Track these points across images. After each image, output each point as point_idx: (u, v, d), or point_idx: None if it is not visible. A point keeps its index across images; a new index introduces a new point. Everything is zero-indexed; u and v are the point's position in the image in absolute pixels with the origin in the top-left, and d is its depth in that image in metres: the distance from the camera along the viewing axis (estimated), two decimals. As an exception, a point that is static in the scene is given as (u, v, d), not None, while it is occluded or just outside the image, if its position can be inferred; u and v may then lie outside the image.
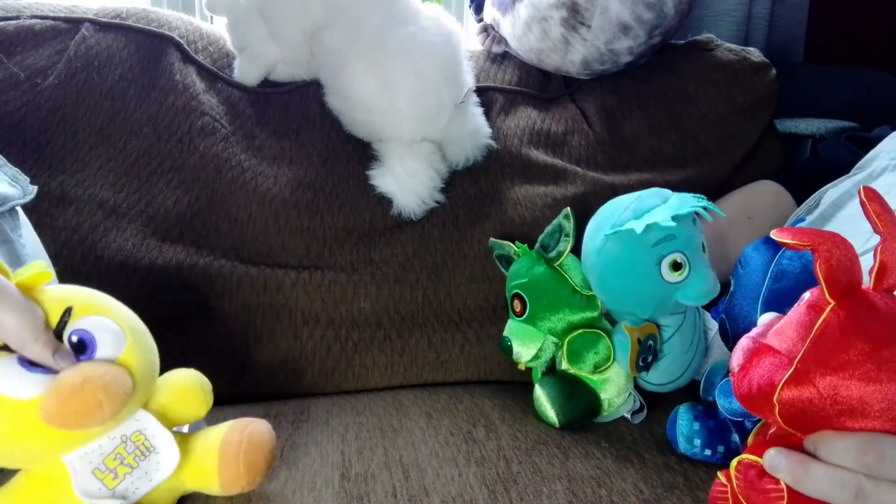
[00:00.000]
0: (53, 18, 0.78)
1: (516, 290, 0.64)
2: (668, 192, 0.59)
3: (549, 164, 0.81)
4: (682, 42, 0.97)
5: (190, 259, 0.69)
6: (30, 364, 0.38)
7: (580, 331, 0.61)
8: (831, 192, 0.69)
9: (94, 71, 0.76)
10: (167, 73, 0.78)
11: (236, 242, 0.72)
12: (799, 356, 0.36)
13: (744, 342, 0.41)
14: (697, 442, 0.54)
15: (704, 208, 0.56)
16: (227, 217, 0.73)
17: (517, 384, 0.71)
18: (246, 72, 0.83)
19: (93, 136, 0.74)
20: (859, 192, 0.38)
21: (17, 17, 0.77)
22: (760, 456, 0.39)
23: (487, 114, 0.85)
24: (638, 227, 0.54)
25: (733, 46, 0.94)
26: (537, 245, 0.64)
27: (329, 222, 0.75)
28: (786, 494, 0.38)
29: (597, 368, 0.59)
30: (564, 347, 0.60)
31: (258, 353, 0.69)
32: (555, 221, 0.63)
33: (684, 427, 0.55)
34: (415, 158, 0.76)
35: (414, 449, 0.55)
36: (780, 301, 0.54)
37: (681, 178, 0.84)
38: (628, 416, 0.62)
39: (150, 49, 0.79)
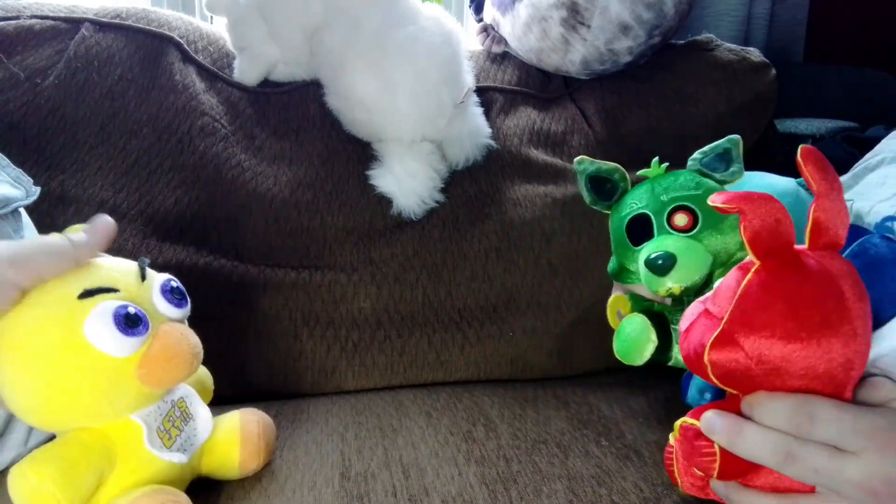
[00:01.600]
0: (53, 18, 0.79)
1: (683, 203, 0.55)
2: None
3: (549, 163, 0.81)
4: (682, 42, 0.97)
5: (190, 259, 0.69)
6: (125, 320, 0.40)
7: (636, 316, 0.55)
8: None
9: (93, 71, 0.76)
10: (167, 73, 0.78)
11: (236, 242, 0.72)
12: (725, 317, 0.37)
13: (691, 307, 0.42)
14: (707, 396, 0.53)
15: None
16: (227, 217, 0.73)
17: (517, 383, 0.71)
18: (246, 72, 0.83)
19: (93, 136, 0.74)
20: (798, 152, 0.38)
21: (17, 18, 0.77)
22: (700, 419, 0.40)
23: (487, 114, 0.85)
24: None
25: (733, 46, 0.94)
26: (696, 165, 0.59)
27: (329, 222, 0.75)
28: (718, 456, 0.39)
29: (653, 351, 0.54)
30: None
31: (258, 353, 0.69)
32: (719, 143, 0.58)
33: (699, 378, 0.51)
34: (415, 158, 0.76)
35: (414, 448, 0.55)
36: None
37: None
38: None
39: (150, 49, 0.79)
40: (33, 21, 0.77)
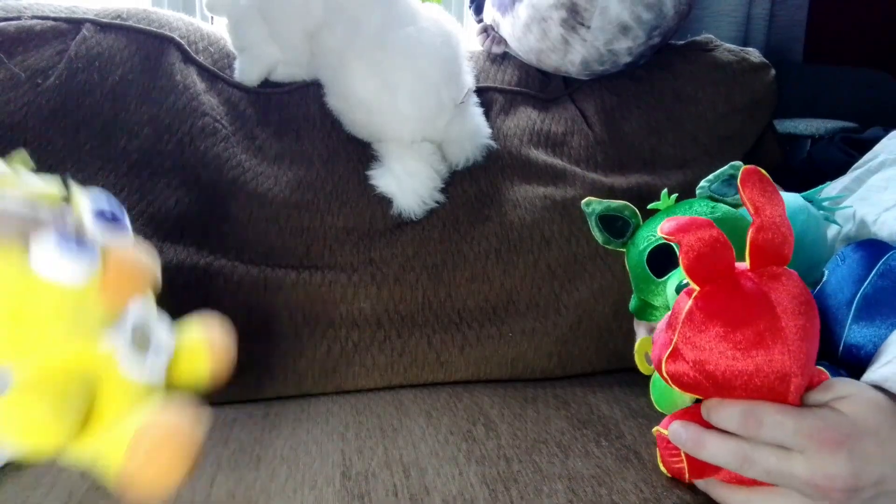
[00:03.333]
0: (54, 19, 0.79)
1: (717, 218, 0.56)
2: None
3: (549, 164, 0.81)
4: (682, 42, 0.97)
5: (190, 259, 0.70)
6: (73, 242, 0.39)
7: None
8: (828, 191, 0.69)
9: (94, 71, 0.76)
10: (168, 74, 0.78)
11: (237, 242, 0.72)
12: (675, 336, 0.42)
13: (660, 323, 0.46)
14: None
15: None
16: (227, 217, 0.73)
17: (517, 383, 0.72)
18: (246, 72, 0.83)
19: (93, 137, 0.74)
20: (740, 173, 0.41)
21: (18, 18, 0.77)
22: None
23: (487, 114, 0.85)
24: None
25: (732, 47, 0.94)
26: (705, 192, 0.60)
27: (329, 222, 0.75)
28: (685, 461, 0.45)
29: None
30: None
31: (258, 353, 0.69)
32: (723, 170, 0.59)
33: None
34: (415, 158, 0.76)
35: (414, 448, 0.55)
36: (878, 301, 0.53)
37: (680, 179, 0.84)
38: None
39: (150, 50, 0.80)
40: (34, 21, 0.77)
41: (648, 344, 0.60)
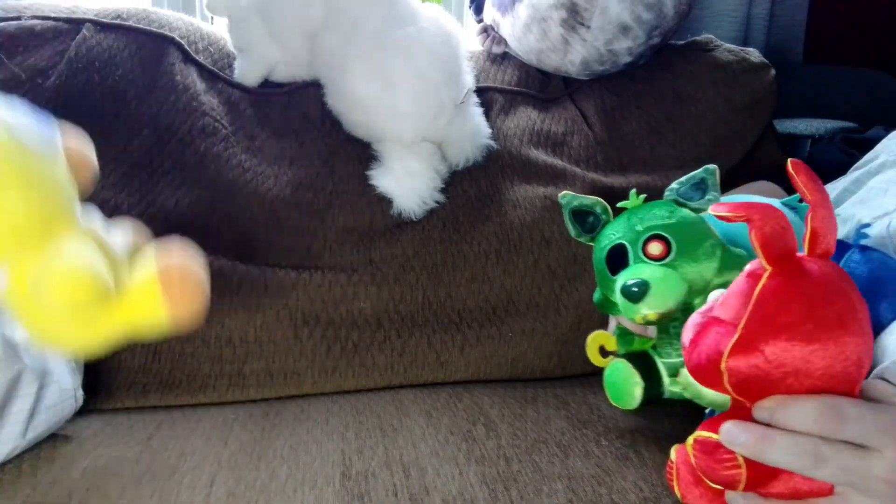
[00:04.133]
0: (54, 19, 0.79)
1: (658, 232, 0.56)
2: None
3: (549, 164, 0.82)
4: (682, 43, 0.97)
5: (190, 259, 0.70)
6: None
7: (620, 361, 0.57)
8: (829, 190, 0.70)
9: (94, 71, 0.76)
10: (168, 74, 0.78)
11: (237, 243, 0.72)
12: (742, 322, 0.37)
13: (693, 318, 0.42)
14: None
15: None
16: (227, 217, 0.73)
17: (517, 383, 0.72)
18: (246, 72, 0.83)
19: (94, 137, 0.73)
20: (787, 166, 0.39)
21: (18, 18, 0.77)
22: (715, 432, 0.40)
23: (487, 114, 0.85)
24: None
25: (732, 47, 0.94)
26: (672, 195, 0.60)
27: (329, 222, 0.75)
28: (744, 467, 0.39)
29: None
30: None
31: (258, 352, 0.69)
32: (696, 173, 0.58)
33: None
34: (415, 158, 0.76)
35: (414, 448, 0.55)
36: None
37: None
38: None
39: (150, 50, 0.80)
40: (34, 22, 0.77)
41: (603, 338, 0.61)
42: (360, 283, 0.72)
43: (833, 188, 0.70)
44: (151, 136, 0.75)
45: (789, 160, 0.39)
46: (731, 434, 0.39)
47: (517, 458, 0.54)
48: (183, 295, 0.43)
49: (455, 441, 0.57)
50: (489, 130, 0.82)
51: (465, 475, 0.51)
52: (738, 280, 0.40)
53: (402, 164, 0.76)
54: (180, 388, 0.67)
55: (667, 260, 0.55)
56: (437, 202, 0.77)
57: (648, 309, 0.54)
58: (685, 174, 0.84)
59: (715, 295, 0.43)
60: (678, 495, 0.45)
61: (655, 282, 0.53)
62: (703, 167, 0.58)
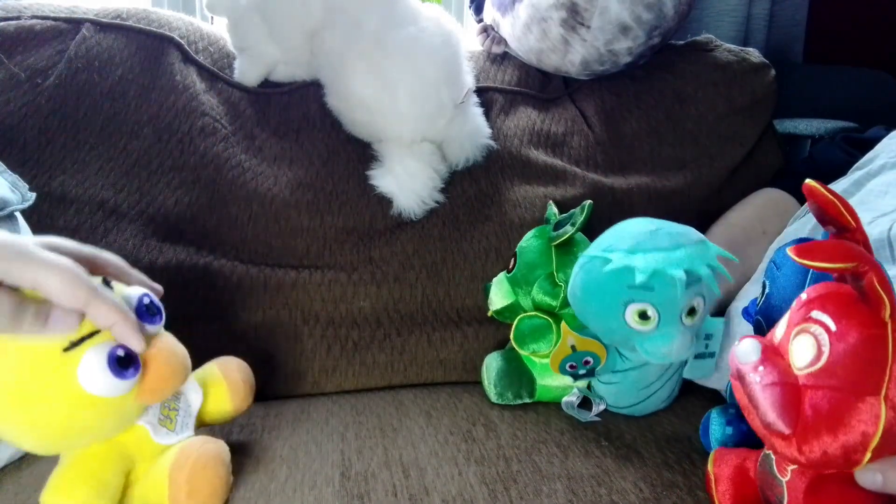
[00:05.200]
0: (54, 19, 0.79)
1: (517, 249, 0.68)
2: (692, 235, 0.54)
3: (549, 164, 0.82)
4: (682, 43, 0.97)
5: (190, 259, 0.70)
6: (118, 363, 0.40)
7: (532, 314, 0.63)
8: None
9: (94, 71, 0.76)
10: (168, 74, 0.78)
11: (237, 242, 0.72)
12: (883, 386, 0.31)
13: (778, 396, 0.34)
14: (729, 430, 0.53)
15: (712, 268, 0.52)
16: (227, 217, 0.73)
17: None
18: (246, 72, 0.83)
19: (93, 137, 0.74)
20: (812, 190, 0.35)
21: (18, 18, 0.77)
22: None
23: (487, 114, 0.85)
24: (613, 265, 0.52)
25: (732, 47, 0.94)
26: (553, 220, 0.68)
27: (329, 222, 0.75)
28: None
29: (535, 353, 0.62)
30: (513, 325, 0.63)
31: (258, 353, 0.69)
32: (576, 209, 0.64)
33: (717, 432, 0.53)
34: (415, 159, 0.76)
35: (414, 448, 0.55)
36: None
37: (679, 180, 0.84)
38: (573, 412, 0.61)
39: (150, 49, 0.80)
40: (34, 21, 0.77)
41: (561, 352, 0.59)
42: (359, 283, 0.72)
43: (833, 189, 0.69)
44: (151, 136, 0.75)
45: (806, 182, 0.36)
46: (872, 480, 0.34)
47: (517, 458, 0.54)
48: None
49: (455, 441, 0.56)
50: (489, 130, 0.82)
51: (464, 475, 0.51)
52: (853, 347, 0.33)
53: (402, 165, 0.75)
54: (180, 388, 0.67)
55: (511, 274, 0.67)
56: (437, 202, 0.77)
57: (489, 305, 0.69)
58: (685, 174, 0.85)
59: (748, 349, 0.37)
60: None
61: (493, 285, 0.69)
62: (587, 202, 0.63)
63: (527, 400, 0.64)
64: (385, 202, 0.76)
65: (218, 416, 0.53)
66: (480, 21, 1.00)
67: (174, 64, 0.80)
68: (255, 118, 0.81)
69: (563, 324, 0.56)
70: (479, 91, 0.86)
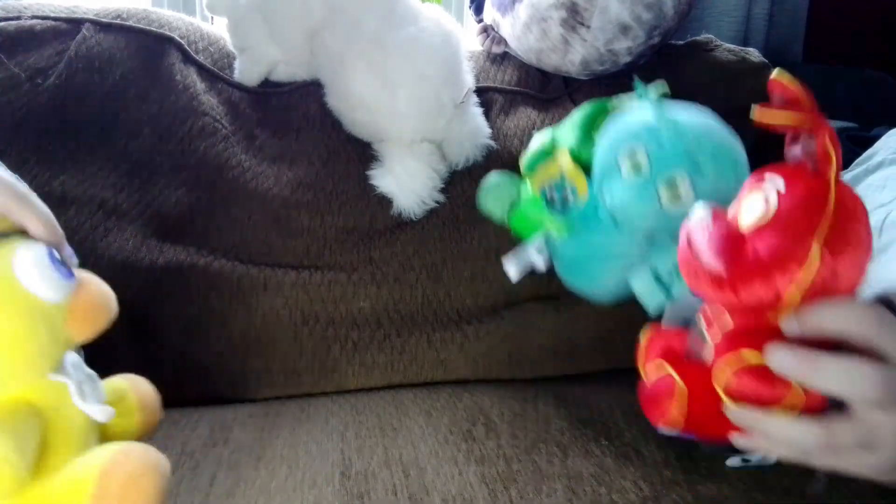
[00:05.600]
0: (54, 19, 0.79)
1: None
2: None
3: (549, 163, 0.82)
4: (682, 42, 0.97)
5: (190, 259, 0.70)
6: (58, 262, 0.38)
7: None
8: None
9: (94, 71, 0.76)
10: (168, 74, 0.78)
11: (237, 242, 0.72)
12: (822, 230, 0.34)
13: (714, 236, 0.37)
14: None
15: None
16: (227, 217, 0.73)
17: (517, 382, 0.72)
18: (246, 72, 0.83)
19: (93, 137, 0.74)
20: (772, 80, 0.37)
21: (18, 18, 0.77)
22: (728, 350, 0.37)
23: (487, 114, 0.85)
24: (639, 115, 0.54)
25: (732, 47, 0.94)
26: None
27: (329, 222, 0.75)
28: (796, 390, 0.36)
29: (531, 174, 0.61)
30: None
31: (258, 353, 0.69)
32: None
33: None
34: (414, 158, 0.76)
35: (414, 447, 0.55)
36: None
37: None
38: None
39: (150, 50, 0.80)
40: (34, 21, 0.77)
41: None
42: (359, 283, 0.72)
43: None
44: (151, 136, 0.75)
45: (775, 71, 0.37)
46: (782, 361, 0.35)
47: (517, 458, 0.54)
48: None
49: (455, 441, 0.56)
50: (489, 130, 0.82)
51: (464, 475, 0.51)
52: (796, 191, 0.36)
53: (402, 165, 0.75)
54: (180, 387, 0.67)
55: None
56: (437, 202, 0.77)
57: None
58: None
59: (702, 213, 0.39)
60: (663, 418, 0.41)
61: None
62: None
63: (499, 220, 0.62)
64: (385, 202, 0.76)
65: (123, 430, 0.45)
66: (480, 21, 1.00)
67: (174, 64, 0.80)
68: (255, 118, 0.81)
69: (563, 149, 0.56)
70: (479, 91, 0.86)
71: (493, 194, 0.62)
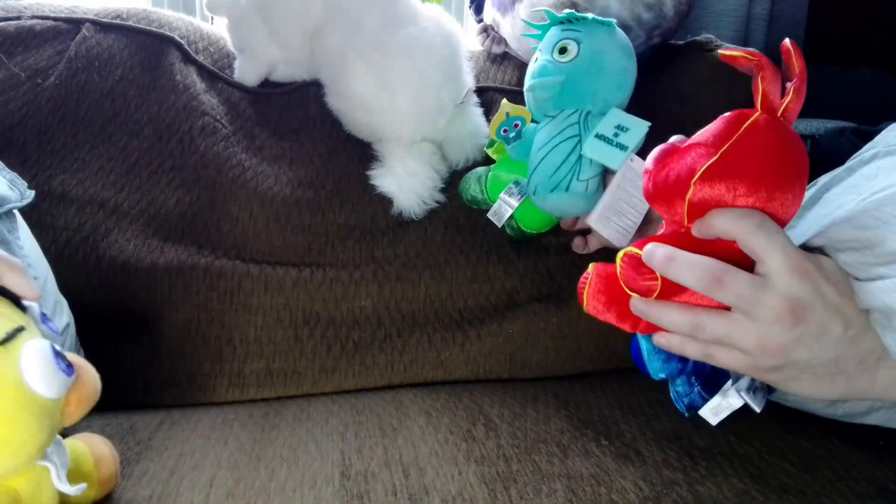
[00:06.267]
0: (54, 19, 0.79)
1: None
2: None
3: (549, 163, 0.82)
4: (682, 42, 0.97)
5: (191, 259, 0.70)
6: (60, 357, 0.37)
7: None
8: (825, 175, 0.70)
9: (94, 71, 0.76)
10: (168, 74, 0.78)
11: (237, 242, 0.72)
12: (724, 148, 0.41)
13: (662, 147, 0.46)
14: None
15: None
16: (228, 217, 0.73)
17: (516, 383, 0.72)
18: (246, 72, 0.83)
19: (94, 137, 0.74)
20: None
21: (18, 18, 0.77)
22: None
23: (487, 114, 0.85)
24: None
25: (733, 47, 0.94)
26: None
27: (331, 219, 0.75)
28: (659, 281, 0.44)
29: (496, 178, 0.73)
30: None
31: (258, 352, 0.69)
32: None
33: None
34: (415, 159, 0.76)
35: (414, 448, 0.55)
36: None
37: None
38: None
39: (150, 49, 0.80)
40: (34, 21, 0.78)
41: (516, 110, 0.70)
42: (361, 281, 0.72)
43: (825, 175, 0.70)
44: (151, 136, 0.75)
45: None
46: (650, 251, 0.44)
47: (517, 458, 0.54)
48: None
49: (455, 441, 0.56)
50: (489, 130, 0.82)
51: (464, 475, 0.51)
52: (724, 118, 0.44)
53: (402, 165, 0.76)
54: (180, 387, 0.67)
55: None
56: (438, 202, 0.77)
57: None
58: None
59: (676, 138, 0.47)
60: (584, 302, 0.49)
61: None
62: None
63: (482, 199, 0.73)
64: (387, 201, 0.76)
65: (84, 495, 0.44)
66: (480, 21, 1.00)
67: (174, 64, 0.80)
68: (256, 118, 0.81)
69: (504, 99, 0.70)
70: (479, 91, 0.86)
71: (472, 178, 0.74)
